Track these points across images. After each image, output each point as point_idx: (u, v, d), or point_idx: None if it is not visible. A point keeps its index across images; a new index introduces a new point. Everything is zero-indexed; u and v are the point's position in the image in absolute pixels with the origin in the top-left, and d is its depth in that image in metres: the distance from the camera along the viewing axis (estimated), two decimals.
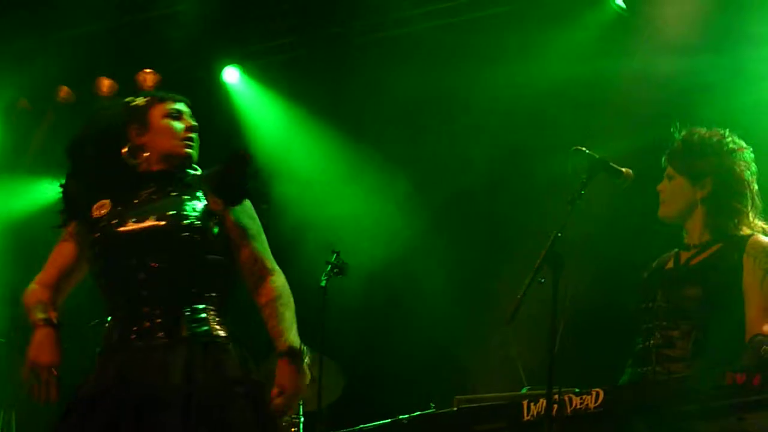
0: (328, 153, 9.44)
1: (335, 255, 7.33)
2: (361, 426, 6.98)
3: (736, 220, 4.58)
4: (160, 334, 4.00)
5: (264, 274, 4.21)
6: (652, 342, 4.45)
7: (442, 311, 8.45)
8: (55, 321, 4.18)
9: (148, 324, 4.02)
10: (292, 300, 4.24)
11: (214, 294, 4.17)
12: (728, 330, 4.37)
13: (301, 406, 7.68)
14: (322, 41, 9.32)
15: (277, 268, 4.26)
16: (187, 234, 4.11)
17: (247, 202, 4.28)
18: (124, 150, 4.30)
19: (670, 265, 4.74)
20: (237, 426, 3.94)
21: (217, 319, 4.13)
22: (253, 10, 9.39)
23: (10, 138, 10.06)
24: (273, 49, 9.79)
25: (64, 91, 9.94)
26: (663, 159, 4.81)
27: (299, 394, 4.11)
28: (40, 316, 4.16)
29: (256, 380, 4.15)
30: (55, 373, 4.10)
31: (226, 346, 4.10)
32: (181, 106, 4.41)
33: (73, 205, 4.32)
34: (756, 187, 4.65)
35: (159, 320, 4.02)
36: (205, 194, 4.24)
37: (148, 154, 4.30)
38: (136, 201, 4.24)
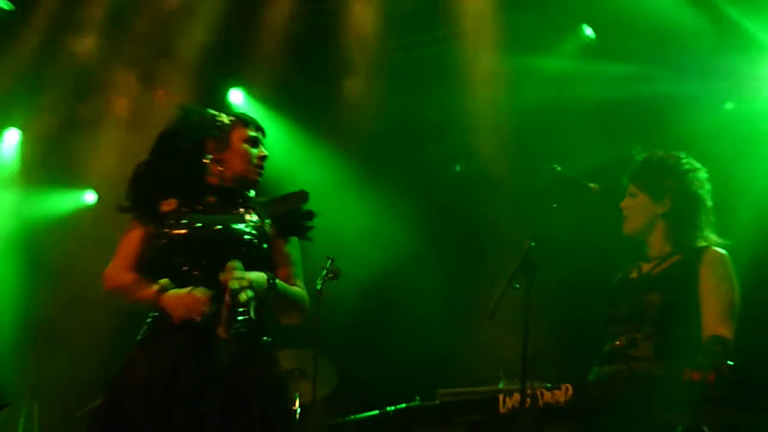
0: (323, 168, 9.44)
1: (330, 261, 7.29)
2: (352, 417, 6.97)
3: (693, 234, 4.62)
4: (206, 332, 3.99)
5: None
6: (617, 344, 4.46)
7: (426, 313, 8.45)
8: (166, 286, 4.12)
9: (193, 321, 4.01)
10: (303, 301, 4.40)
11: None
12: (687, 332, 4.38)
13: (297, 398, 7.65)
14: (318, 66, 9.32)
15: (305, 293, 4.42)
16: (243, 247, 4.15)
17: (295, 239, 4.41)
18: (207, 160, 4.33)
19: (634, 275, 4.75)
20: (274, 415, 4.00)
21: (257, 323, 4.10)
22: (255, 39, 9.39)
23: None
24: (274, 73, 9.77)
25: (161, 93, 9.91)
26: (625, 178, 4.82)
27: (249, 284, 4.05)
28: (152, 289, 4.09)
29: (287, 382, 4.36)
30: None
31: (262, 348, 4.15)
32: (259, 135, 4.47)
33: (144, 198, 4.31)
34: (710, 203, 4.68)
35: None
36: (261, 218, 4.29)
37: (222, 170, 4.34)
38: (200, 207, 4.28)
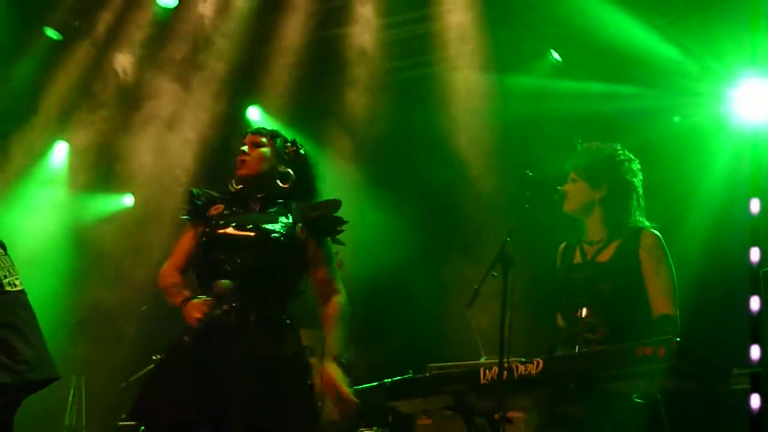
0: (331, 175, 9.44)
1: (336, 253, 7.31)
2: (354, 387, 6.98)
3: (626, 218, 4.53)
4: (236, 315, 4.05)
5: (332, 293, 4.34)
6: (577, 330, 4.42)
7: (419, 299, 8.47)
8: (190, 296, 4.17)
9: (226, 307, 4.04)
10: (348, 316, 4.36)
11: (281, 292, 4.24)
12: (637, 313, 4.36)
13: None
14: (326, 85, 9.34)
15: (342, 289, 4.38)
16: (269, 244, 4.15)
17: (328, 238, 4.40)
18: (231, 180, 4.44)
19: (578, 259, 4.65)
20: (288, 389, 4.03)
21: (280, 310, 4.21)
22: (270, 61, 9.41)
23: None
24: (286, 92, 9.79)
25: None
26: (567, 165, 4.73)
27: (341, 387, 4.18)
28: (182, 295, 4.16)
29: (308, 361, 4.28)
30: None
31: (284, 330, 4.18)
32: (246, 138, 4.46)
33: (196, 205, 4.38)
34: (641, 191, 4.62)
35: (236, 305, 4.04)
36: (294, 220, 4.28)
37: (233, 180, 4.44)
38: (242, 212, 4.31)
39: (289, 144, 4.49)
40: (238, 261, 4.10)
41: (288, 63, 9.35)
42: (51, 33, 9.02)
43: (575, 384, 3.96)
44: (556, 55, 8.07)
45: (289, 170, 4.42)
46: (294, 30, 9.13)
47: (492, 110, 8.20)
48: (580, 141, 4.77)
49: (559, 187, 4.61)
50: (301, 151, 4.50)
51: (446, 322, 7.84)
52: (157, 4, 8.92)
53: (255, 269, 4.11)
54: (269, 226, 4.20)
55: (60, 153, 10.17)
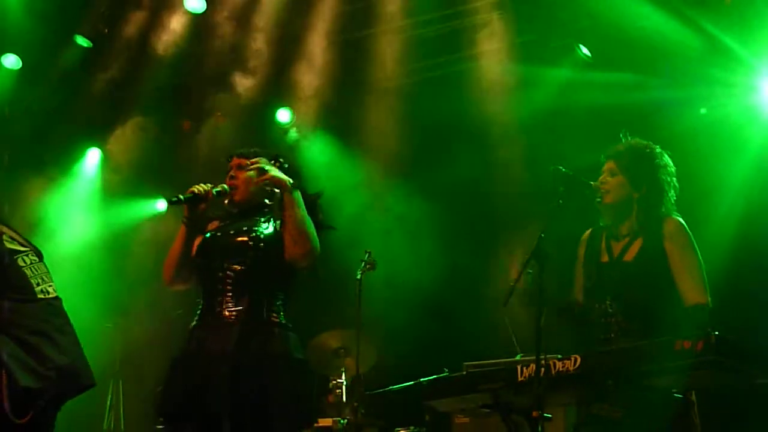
0: (357, 174, 9.46)
1: (368, 254, 7.31)
2: (391, 387, 6.98)
3: (658, 217, 4.54)
4: (229, 316, 4.26)
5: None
6: (612, 335, 4.40)
7: (454, 297, 8.45)
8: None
9: (219, 309, 4.28)
10: (314, 235, 4.41)
11: (274, 292, 4.38)
12: (670, 307, 4.34)
13: (343, 372, 7.68)
14: (350, 87, 9.33)
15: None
16: (255, 248, 4.34)
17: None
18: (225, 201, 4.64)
19: (605, 257, 4.63)
20: (272, 387, 4.12)
21: (272, 309, 4.33)
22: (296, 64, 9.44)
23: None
24: (314, 94, 9.80)
25: (187, 124, 10.00)
26: (603, 156, 4.72)
27: (274, 177, 4.37)
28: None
29: (298, 358, 4.33)
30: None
31: (273, 329, 4.29)
32: (232, 162, 4.64)
33: (197, 215, 4.54)
34: (672, 192, 4.62)
35: (229, 306, 4.27)
36: (278, 222, 4.45)
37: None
38: (233, 221, 4.54)
39: (272, 161, 4.60)
40: (229, 266, 4.33)
41: (316, 65, 9.37)
42: (81, 40, 9.04)
43: (613, 379, 3.93)
44: (585, 50, 8.01)
45: (275, 189, 4.51)
46: (321, 32, 9.13)
47: (521, 103, 8.14)
48: (625, 133, 4.74)
49: (592, 182, 4.57)
50: (285, 166, 4.60)
51: (482, 318, 7.81)
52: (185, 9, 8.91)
53: (243, 272, 4.31)
54: (258, 229, 4.39)
55: (93, 159, 10.23)
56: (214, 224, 4.58)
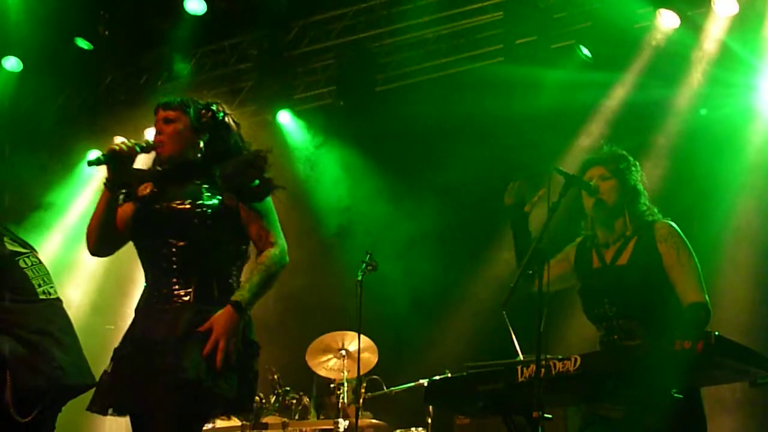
0: (357, 175, 9.48)
1: (369, 255, 7.29)
2: (392, 388, 6.98)
3: (645, 217, 4.55)
4: (176, 299, 3.87)
5: (266, 247, 3.96)
6: (615, 337, 4.40)
7: (454, 299, 8.46)
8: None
9: (166, 291, 3.90)
10: (273, 270, 3.93)
11: (226, 269, 3.98)
12: (668, 307, 4.33)
13: (344, 374, 7.68)
14: (352, 90, 9.34)
15: (279, 241, 4.00)
16: (202, 225, 3.92)
17: (258, 190, 4.02)
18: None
19: (597, 263, 4.61)
20: (174, 368, 3.73)
21: (224, 289, 3.92)
22: (299, 67, 9.44)
23: None
24: (315, 96, 9.82)
25: None
26: (587, 162, 4.67)
27: (225, 336, 3.75)
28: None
29: (251, 339, 3.93)
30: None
31: (217, 308, 3.82)
32: (157, 114, 4.14)
33: (125, 181, 4.09)
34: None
35: (176, 288, 3.89)
36: (221, 190, 4.00)
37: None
38: (171, 187, 4.03)
39: (203, 111, 4.14)
40: (170, 241, 3.92)
41: (320, 65, 9.40)
42: (81, 43, 9.05)
43: (613, 380, 3.92)
44: (585, 51, 8.01)
45: (202, 142, 4.10)
46: (327, 32, 9.17)
47: (520, 103, 8.14)
48: (605, 140, 4.77)
49: (591, 183, 4.57)
50: (219, 116, 4.15)
51: (482, 320, 7.82)
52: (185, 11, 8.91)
53: (187, 247, 3.92)
54: (202, 201, 3.93)
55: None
56: (147, 187, 4.06)
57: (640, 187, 4.62)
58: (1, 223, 4.90)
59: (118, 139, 4.13)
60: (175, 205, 3.95)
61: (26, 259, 4.76)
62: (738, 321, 6.47)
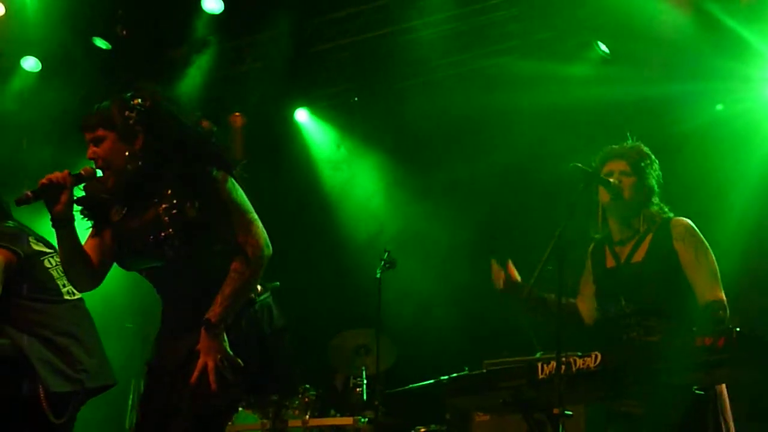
0: (376, 173, 9.49)
1: (387, 253, 7.31)
2: (411, 386, 6.98)
3: (660, 213, 4.55)
4: (184, 319, 3.66)
5: (242, 246, 3.59)
6: (634, 334, 4.38)
7: (472, 295, 8.43)
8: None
9: (173, 314, 3.77)
10: (247, 275, 3.57)
11: (212, 279, 3.61)
12: (686, 304, 4.32)
13: (363, 371, 7.68)
14: (369, 87, 9.34)
15: (253, 241, 3.60)
16: (168, 244, 3.57)
17: (217, 184, 3.61)
18: None
19: (611, 263, 4.63)
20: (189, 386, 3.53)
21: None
22: (317, 65, 9.44)
23: None
24: (333, 94, 9.83)
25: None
26: (608, 156, 4.67)
27: (208, 358, 3.50)
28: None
29: (257, 335, 3.72)
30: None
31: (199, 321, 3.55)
32: (86, 136, 3.76)
33: (95, 211, 3.81)
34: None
35: (179, 308, 3.73)
36: (182, 201, 3.58)
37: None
38: (137, 209, 3.69)
39: (127, 111, 3.66)
40: (166, 268, 3.65)
41: (337, 63, 9.41)
42: (100, 42, 9.07)
43: (634, 376, 3.91)
44: (603, 47, 7.99)
45: (138, 147, 3.64)
46: (344, 30, 9.18)
47: (539, 99, 8.13)
48: (628, 136, 4.74)
49: (611, 179, 4.56)
50: (148, 104, 3.67)
51: (501, 316, 7.80)
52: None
53: (179, 269, 3.64)
54: (162, 228, 3.54)
55: None
56: (116, 213, 3.76)
57: (656, 186, 4.62)
58: (22, 224, 4.91)
59: (51, 175, 3.61)
60: (143, 233, 3.60)
61: (50, 259, 4.79)
62: (755, 317, 6.44)
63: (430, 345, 8.23)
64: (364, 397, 7.56)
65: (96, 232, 3.81)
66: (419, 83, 9.13)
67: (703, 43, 7.35)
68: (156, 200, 3.59)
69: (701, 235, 4.45)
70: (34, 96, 9.18)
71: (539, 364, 4.19)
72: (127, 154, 3.64)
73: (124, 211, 3.74)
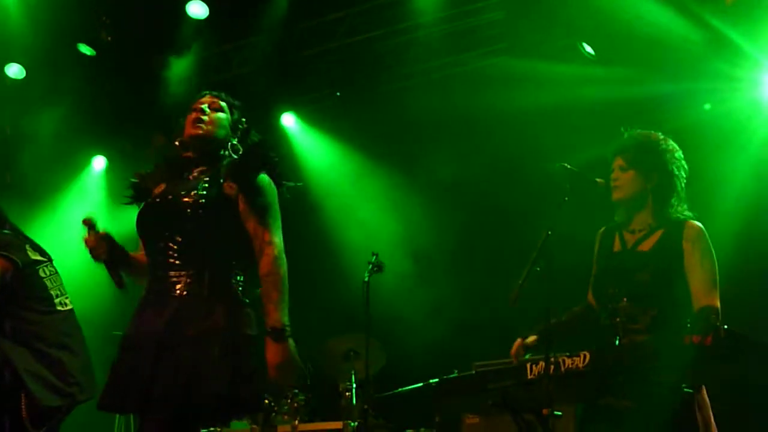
0: (362, 176, 9.49)
1: (375, 256, 7.29)
2: (400, 389, 6.99)
3: (674, 208, 4.52)
4: (170, 292, 3.76)
5: (262, 246, 3.80)
6: (618, 320, 4.37)
7: (460, 297, 8.45)
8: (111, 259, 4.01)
9: (162, 286, 3.80)
10: (280, 274, 3.78)
11: (221, 261, 3.82)
12: (677, 304, 4.32)
13: (353, 375, 7.68)
14: (356, 91, 9.36)
15: (276, 240, 3.83)
16: (194, 216, 3.78)
17: (263, 184, 3.92)
18: (176, 142, 4.12)
19: (618, 247, 4.62)
20: (198, 365, 3.61)
21: (215, 282, 3.78)
22: (302, 69, 9.45)
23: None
24: (319, 98, 9.84)
25: (160, 138, 9.99)
26: (609, 152, 4.67)
27: (286, 367, 3.71)
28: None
29: (243, 333, 3.77)
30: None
31: (210, 302, 3.71)
32: (205, 98, 4.13)
33: (140, 189, 4.17)
34: (684, 182, 4.59)
35: (171, 281, 3.78)
36: (223, 179, 3.90)
37: (180, 141, 4.11)
38: (176, 183, 4.01)
39: (244, 120, 4.22)
40: (166, 234, 3.83)
41: (323, 67, 9.42)
42: (84, 48, 9.06)
43: (623, 376, 3.92)
44: (588, 48, 8.01)
45: (230, 143, 4.10)
46: (330, 34, 9.19)
47: (524, 98, 8.14)
48: (626, 128, 4.72)
49: (597, 179, 4.56)
50: (251, 133, 4.21)
51: (489, 318, 7.81)
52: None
53: (182, 240, 3.80)
54: (198, 192, 3.84)
55: (98, 166, 10.27)
56: (161, 187, 4.06)
57: (671, 169, 4.55)
58: (18, 230, 4.90)
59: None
60: (170, 198, 3.88)
61: (45, 268, 4.78)
62: (744, 316, 6.45)
63: (419, 349, 8.24)
64: (354, 402, 7.55)
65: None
66: (406, 86, 9.14)
67: (690, 43, 7.37)
68: (203, 172, 3.97)
69: (710, 243, 4.44)
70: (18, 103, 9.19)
71: (528, 365, 4.19)
72: (223, 133, 4.10)
73: (166, 187, 4.01)
